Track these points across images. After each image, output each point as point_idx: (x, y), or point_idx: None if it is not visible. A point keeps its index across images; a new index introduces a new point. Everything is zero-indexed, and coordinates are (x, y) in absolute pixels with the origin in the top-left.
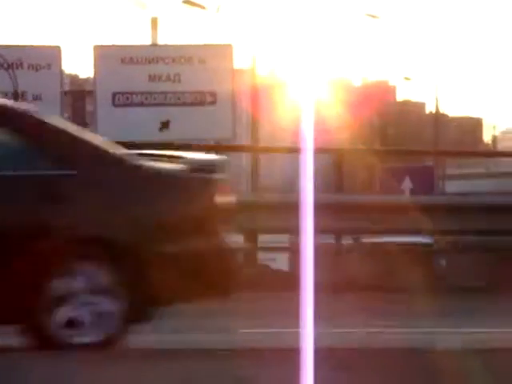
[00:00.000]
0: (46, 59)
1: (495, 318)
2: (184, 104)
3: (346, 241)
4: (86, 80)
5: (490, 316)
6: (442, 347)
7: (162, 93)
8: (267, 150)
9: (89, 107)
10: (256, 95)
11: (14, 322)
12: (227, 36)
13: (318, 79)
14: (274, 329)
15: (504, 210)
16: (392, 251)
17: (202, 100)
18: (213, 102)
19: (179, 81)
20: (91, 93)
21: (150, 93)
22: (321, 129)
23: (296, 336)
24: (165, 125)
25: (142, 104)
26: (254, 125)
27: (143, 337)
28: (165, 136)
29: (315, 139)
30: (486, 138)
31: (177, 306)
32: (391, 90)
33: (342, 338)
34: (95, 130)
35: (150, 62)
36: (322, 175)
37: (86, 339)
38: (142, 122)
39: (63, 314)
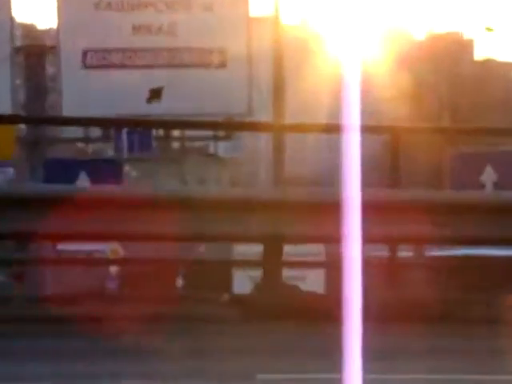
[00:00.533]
0: None
1: None
2: (182, 66)
3: (405, 253)
4: (47, 32)
5: None
6: None
7: (151, 50)
8: (296, 128)
9: (50, 69)
10: (280, 54)
11: None
12: None
13: (366, 32)
14: (304, 374)
15: None
16: (470, 268)
17: (206, 61)
18: (222, 64)
19: (175, 34)
20: (53, 49)
21: (135, 50)
22: (370, 100)
23: None
24: (155, 94)
25: (123, 66)
26: (277, 95)
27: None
28: (155, 110)
29: (362, 114)
30: None
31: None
32: (467, 46)
33: None
34: (59, 101)
35: (134, 8)
36: (371, 163)
37: None
38: (124, 91)
39: None
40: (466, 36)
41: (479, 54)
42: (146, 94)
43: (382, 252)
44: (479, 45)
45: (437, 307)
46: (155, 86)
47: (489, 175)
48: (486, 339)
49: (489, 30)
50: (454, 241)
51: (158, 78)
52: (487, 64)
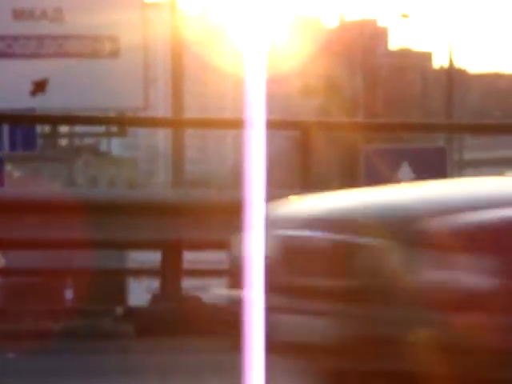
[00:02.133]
0: None
1: None
2: (69, 55)
3: None
4: None
5: None
6: None
7: (34, 38)
8: (197, 124)
9: None
10: (179, 43)
11: None
12: None
13: (273, 21)
14: None
15: None
16: None
17: (96, 49)
18: (114, 53)
19: (61, 19)
20: None
21: (16, 37)
22: (277, 93)
23: None
24: (39, 86)
25: (3, 55)
26: (176, 88)
27: None
28: (39, 103)
29: (270, 109)
30: None
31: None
32: (381, 34)
33: None
34: None
35: None
36: (279, 161)
37: None
38: (4, 82)
39: None
40: (381, 24)
41: (395, 43)
42: (30, 87)
43: None
44: (394, 33)
45: None
46: (39, 77)
47: (405, 172)
48: None
49: (404, 16)
50: None
51: (43, 68)
52: (403, 54)
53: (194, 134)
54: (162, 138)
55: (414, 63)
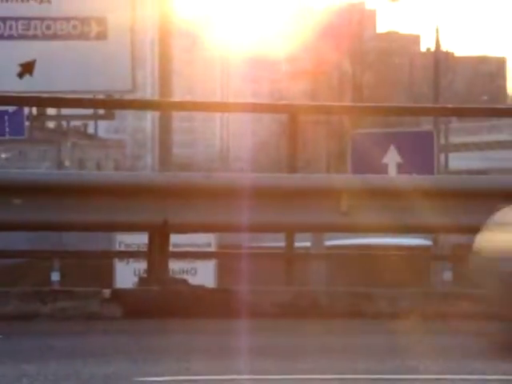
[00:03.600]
0: None
1: None
2: (56, 37)
3: (303, 243)
4: None
5: None
6: None
7: (21, 19)
8: (185, 106)
9: None
10: (168, 25)
11: None
12: None
13: (261, 4)
14: (189, 375)
15: None
16: (373, 258)
17: (84, 31)
18: (102, 35)
19: (49, 1)
20: None
21: (4, 19)
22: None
23: None
24: (26, 69)
25: None
26: (164, 70)
27: None
28: (27, 85)
29: (257, 92)
30: None
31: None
32: (369, 17)
33: None
34: None
35: None
36: (268, 146)
37: None
38: None
39: None
40: (369, 7)
41: (382, 27)
42: (17, 69)
43: (279, 243)
44: (382, 16)
45: (336, 302)
46: (26, 59)
47: (392, 157)
48: (394, 333)
49: (392, 0)
50: (355, 229)
51: (30, 51)
52: (391, 37)
53: (182, 117)
54: (149, 120)
55: (401, 46)
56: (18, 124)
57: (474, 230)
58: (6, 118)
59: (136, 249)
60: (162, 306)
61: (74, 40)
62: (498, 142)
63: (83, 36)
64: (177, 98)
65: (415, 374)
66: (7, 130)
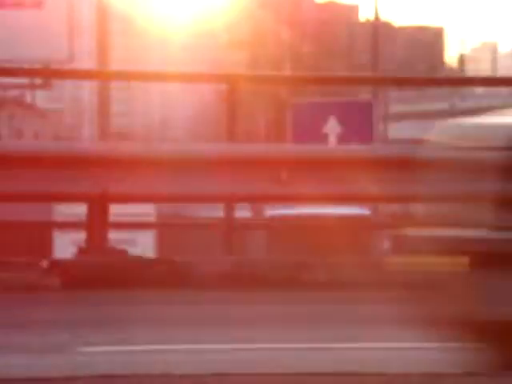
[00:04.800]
0: None
1: None
2: None
3: (243, 213)
4: None
5: None
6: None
7: None
8: (123, 76)
9: None
10: None
11: None
12: None
13: None
14: (129, 346)
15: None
16: (311, 228)
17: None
18: (37, 4)
19: None
20: None
21: None
22: (205, 47)
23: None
24: None
25: None
26: (101, 40)
27: None
28: None
29: (196, 62)
30: (450, 57)
31: None
32: None
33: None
34: None
35: None
36: (206, 115)
37: None
38: None
39: None
40: None
41: None
42: None
43: (218, 213)
44: None
45: (278, 271)
46: None
47: (332, 127)
48: (330, 303)
49: None
50: (296, 199)
51: None
52: (329, 7)
53: (119, 87)
54: (87, 90)
55: (340, 16)
56: None
57: (411, 198)
58: None
59: (75, 219)
60: (101, 276)
61: (9, 9)
62: (437, 112)
63: (18, 4)
64: (114, 68)
65: (352, 343)
66: None
